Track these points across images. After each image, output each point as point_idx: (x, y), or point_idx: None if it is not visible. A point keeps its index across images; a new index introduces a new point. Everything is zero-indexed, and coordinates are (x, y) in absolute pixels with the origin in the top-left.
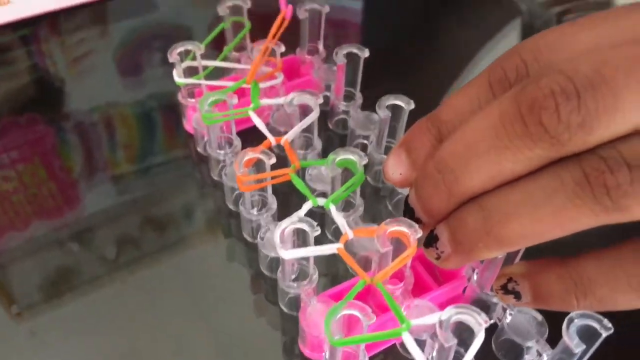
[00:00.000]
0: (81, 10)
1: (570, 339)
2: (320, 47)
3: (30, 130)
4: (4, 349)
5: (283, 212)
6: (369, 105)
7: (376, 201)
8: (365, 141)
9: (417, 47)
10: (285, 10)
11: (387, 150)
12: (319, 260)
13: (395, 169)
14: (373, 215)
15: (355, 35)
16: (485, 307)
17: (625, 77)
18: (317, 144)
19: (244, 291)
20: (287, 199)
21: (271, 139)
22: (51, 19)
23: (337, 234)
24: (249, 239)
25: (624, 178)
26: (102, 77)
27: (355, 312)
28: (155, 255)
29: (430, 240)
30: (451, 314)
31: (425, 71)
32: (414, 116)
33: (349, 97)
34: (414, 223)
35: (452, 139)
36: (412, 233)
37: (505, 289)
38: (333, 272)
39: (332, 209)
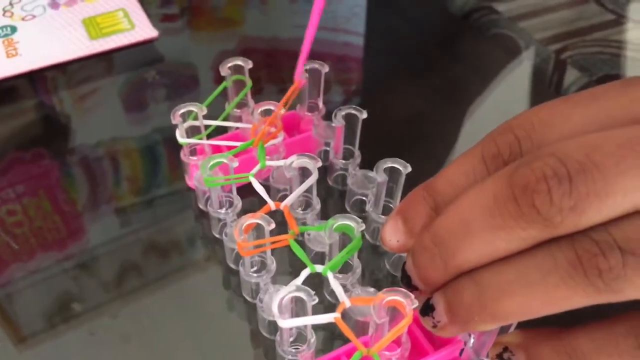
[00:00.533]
0: (88, 61)
1: None
2: (320, 103)
3: (36, 165)
4: None
5: (282, 268)
6: (367, 160)
7: (374, 259)
8: (364, 198)
9: (416, 86)
10: (299, 81)
11: (385, 210)
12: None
13: (392, 236)
14: (371, 272)
15: (357, 70)
16: None
17: (616, 163)
18: (316, 204)
19: (243, 346)
20: (286, 256)
21: (271, 204)
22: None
23: (334, 294)
24: (248, 298)
25: (616, 261)
26: (107, 113)
27: None
28: (154, 301)
29: (426, 310)
30: None
31: (426, 110)
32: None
33: (347, 155)
34: (410, 293)
35: (448, 214)
36: (409, 303)
37: (501, 358)
38: (331, 327)
39: (330, 277)
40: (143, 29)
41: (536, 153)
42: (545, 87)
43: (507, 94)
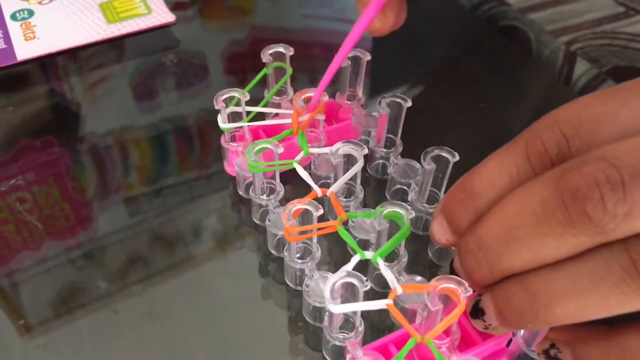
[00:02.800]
0: (104, 46)
1: None
2: (360, 92)
3: (46, 153)
4: None
5: (324, 255)
6: (407, 151)
7: (416, 247)
8: (406, 187)
9: (425, 77)
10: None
11: (430, 199)
12: None
13: (441, 235)
14: (412, 261)
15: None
16: None
17: None
18: (359, 192)
19: (281, 333)
20: (327, 242)
21: (317, 190)
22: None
23: (379, 281)
24: (291, 284)
25: None
26: (117, 101)
27: None
28: (180, 285)
29: (476, 312)
30: None
31: (435, 101)
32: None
33: (389, 143)
34: (463, 281)
35: (492, 220)
36: (462, 291)
37: (547, 354)
38: (369, 317)
39: (381, 263)
40: (160, 14)
41: (586, 156)
42: (555, 78)
43: (517, 85)
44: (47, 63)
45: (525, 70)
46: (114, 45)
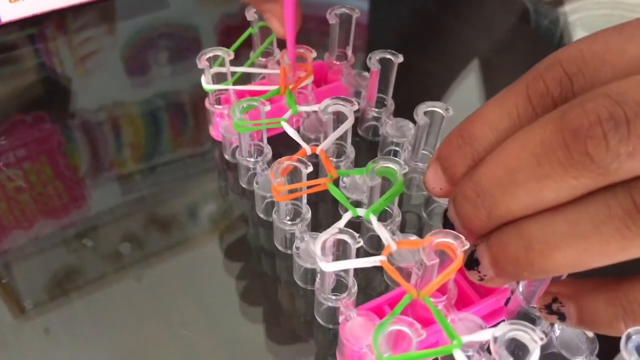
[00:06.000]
0: (90, 7)
1: (629, 355)
2: (349, 52)
3: (37, 129)
4: (11, 347)
5: (314, 220)
6: (399, 111)
7: (409, 209)
8: (397, 148)
9: (424, 47)
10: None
11: (423, 158)
12: None
13: (435, 184)
14: (406, 223)
15: (363, 34)
16: (530, 321)
17: None
18: (350, 152)
19: (272, 299)
20: (318, 207)
21: (307, 148)
22: (59, 17)
23: (372, 242)
24: (281, 248)
25: None
26: (109, 75)
27: (404, 328)
28: (172, 260)
29: (471, 263)
30: (505, 330)
31: (433, 71)
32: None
33: (380, 104)
34: (460, 235)
35: (491, 163)
36: (459, 245)
37: (549, 309)
38: (363, 282)
39: (373, 220)
40: None
41: (589, 94)
42: (554, 49)
43: (515, 55)
44: (35, 35)
45: (524, 40)
46: (104, 6)
